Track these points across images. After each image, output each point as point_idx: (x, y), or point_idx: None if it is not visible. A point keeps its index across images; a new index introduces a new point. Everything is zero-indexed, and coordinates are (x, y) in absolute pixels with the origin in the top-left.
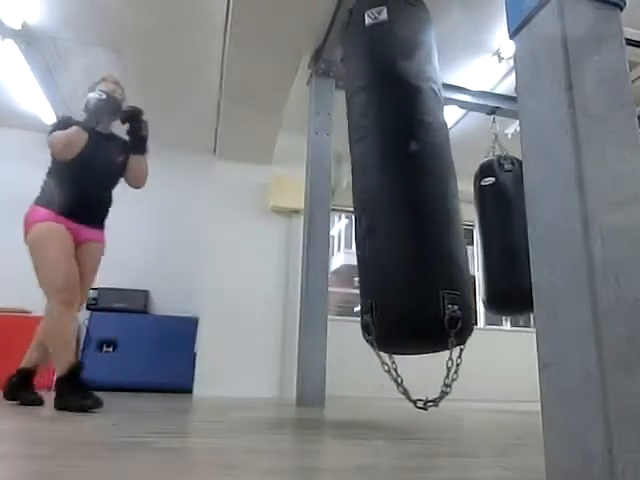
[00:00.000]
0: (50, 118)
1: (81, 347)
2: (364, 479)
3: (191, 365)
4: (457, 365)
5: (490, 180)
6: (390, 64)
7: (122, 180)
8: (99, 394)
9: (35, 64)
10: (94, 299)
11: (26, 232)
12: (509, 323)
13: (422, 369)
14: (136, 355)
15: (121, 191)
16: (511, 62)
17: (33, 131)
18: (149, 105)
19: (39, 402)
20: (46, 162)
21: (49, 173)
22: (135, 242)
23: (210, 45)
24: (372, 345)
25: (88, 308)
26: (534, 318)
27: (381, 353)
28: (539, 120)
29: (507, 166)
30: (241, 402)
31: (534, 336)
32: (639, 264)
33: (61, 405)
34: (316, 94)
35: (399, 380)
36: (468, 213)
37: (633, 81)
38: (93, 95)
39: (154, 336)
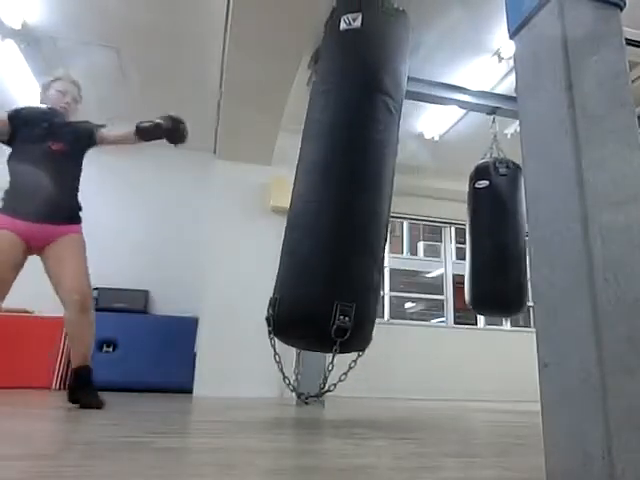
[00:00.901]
0: None
1: None
2: (364, 479)
3: (191, 365)
4: (350, 368)
5: (484, 183)
6: (354, 73)
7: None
8: (99, 394)
9: (35, 64)
10: (94, 299)
11: None
12: (509, 323)
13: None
14: (136, 355)
15: (120, 191)
16: (511, 62)
17: None
18: (149, 105)
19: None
20: None
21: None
22: (135, 242)
23: (210, 45)
24: (270, 336)
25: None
26: (534, 318)
27: (281, 347)
28: (539, 120)
29: (502, 170)
30: (241, 402)
31: (534, 336)
32: (639, 264)
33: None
34: None
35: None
36: (461, 213)
37: (633, 81)
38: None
39: (154, 336)
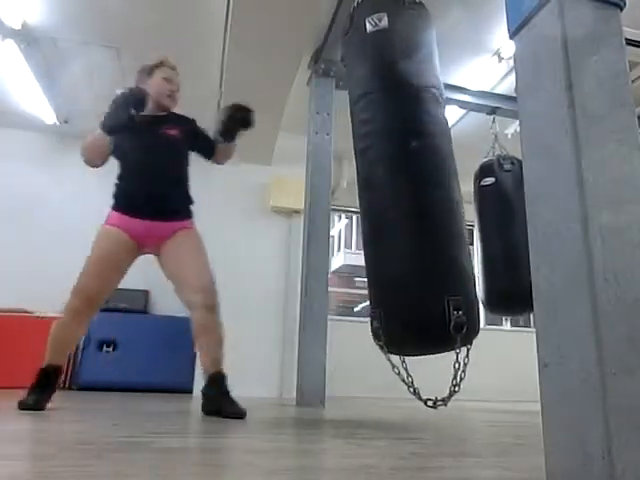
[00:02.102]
0: (50, 118)
1: (81, 347)
2: (364, 479)
3: (191, 365)
4: (465, 365)
5: (490, 180)
6: (392, 71)
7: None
8: (99, 394)
9: (35, 64)
10: None
11: None
12: (509, 323)
13: (431, 369)
14: (136, 355)
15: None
16: (511, 62)
17: (33, 131)
18: None
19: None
20: (46, 161)
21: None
22: None
23: (210, 45)
24: (382, 349)
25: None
26: (534, 318)
27: (392, 356)
28: (539, 120)
29: (507, 166)
30: (241, 402)
31: (534, 336)
32: (639, 264)
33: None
34: (316, 94)
35: (409, 381)
36: (468, 213)
37: (633, 81)
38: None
39: (154, 336)
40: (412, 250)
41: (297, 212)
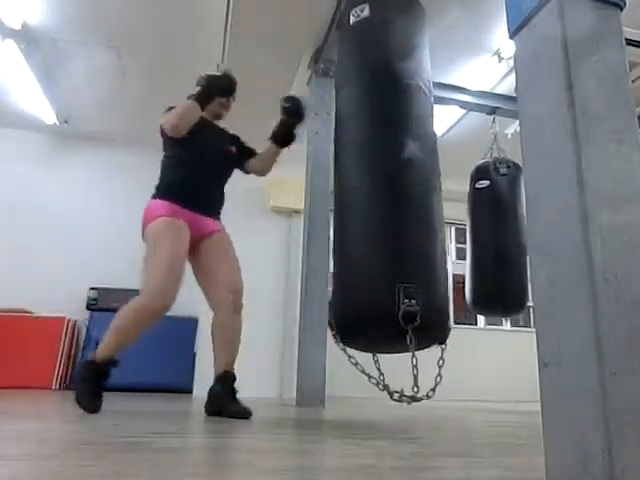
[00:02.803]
0: (50, 118)
1: (81, 347)
2: (364, 479)
3: (191, 365)
4: (441, 366)
5: (485, 183)
6: (374, 61)
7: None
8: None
9: (35, 64)
10: (94, 299)
11: (144, 226)
12: (509, 323)
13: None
14: (136, 355)
15: (121, 191)
16: (511, 62)
17: (33, 131)
18: (149, 105)
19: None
20: (46, 161)
21: (164, 162)
22: (135, 242)
23: (210, 45)
24: (335, 341)
25: (88, 308)
26: (534, 318)
27: (348, 348)
28: (539, 120)
29: (503, 170)
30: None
31: (534, 336)
32: (639, 264)
33: (76, 394)
34: (316, 94)
35: (379, 376)
36: (462, 213)
37: (633, 81)
38: (208, 73)
39: (154, 336)
40: (371, 233)
41: (297, 212)
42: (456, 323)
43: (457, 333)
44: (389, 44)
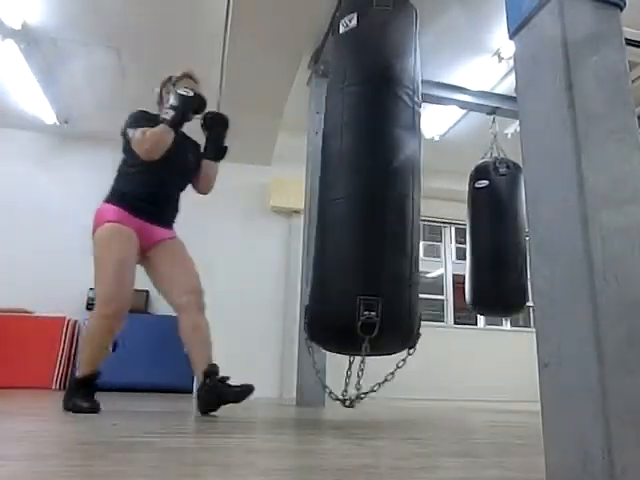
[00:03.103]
0: (50, 118)
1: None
2: (364, 479)
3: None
4: (397, 367)
5: (484, 183)
6: (357, 73)
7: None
8: (99, 394)
9: (35, 64)
10: (94, 299)
11: (93, 231)
12: (509, 323)
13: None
14: (136, 355)
15: None
16: (511, 62)
17: (33, 131)
18: (149, 106)
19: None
20: (46, 161)
21: (122, 169)
22: None
23: (210, 45)
24: (308, 344)
25: (88, 308)
26: (534, 318)
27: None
28: (539, 120)
29: (502, 169)
30: (241, 402)
31: (534, 336)
32: (639, 264)
33: (66, 405)
34: (316, 94)
35: (347, 379)
36: (462, 213)
37: (633, 81)
38: (180, 91)
39: (154, 336)
40: (341, 245)
41: (297, 212)
42: (456, 323)
43: (457, 333)
44: (374, 56)
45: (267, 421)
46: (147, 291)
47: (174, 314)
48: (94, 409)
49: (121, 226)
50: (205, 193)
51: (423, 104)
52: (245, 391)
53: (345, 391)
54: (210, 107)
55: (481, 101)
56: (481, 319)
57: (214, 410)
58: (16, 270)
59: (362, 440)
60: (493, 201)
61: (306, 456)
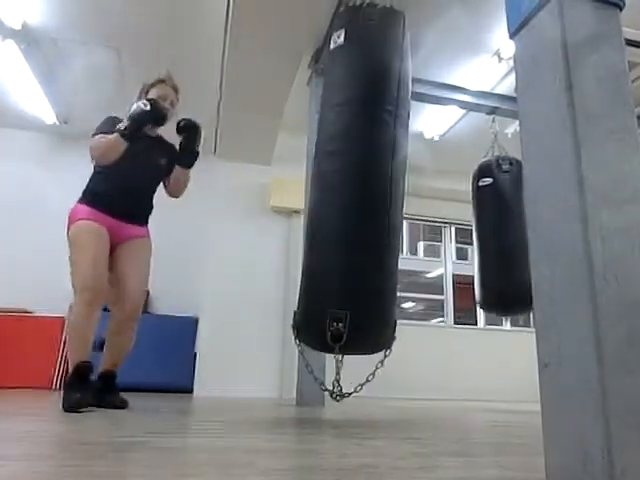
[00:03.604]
0: (50, 118)
1: None
2: (364, 479)
3: (191, 365)
4: (376, 368)
5: (488, 180)
6: (344, 87)
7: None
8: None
9: (35, 64)
10: None
11: (67, 229)
12: (509, 323)
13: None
14: (136, 355)
15: None
16: (511, 62)
17: (33, 131)
18: None
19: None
20: (46, 161)
21: (95, 171)
22: None
23: (210, 45)
24: (295, 342)
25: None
26: (534, 318)
27: (310, 353)
28: (539, 120)
29: (505, 167)
30: (241, 402)
31: (534, 336)
32: (639, 264)
33: (64, 404)
34: (316, 94)
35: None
36: (467, 213)
37: (633, 81)
38: (139, 104)
39: (154, 336)
40: (316, 260)
41: (297, 212)
42: (456, 323)
43: (457, 333)
44: (357, 75)
45: (267, 421)
46: (147, 291)
47: (174, 314)
48: (83, 401)
49: (93, 223)
50: (175, 196)
51: (423, 104)
52: (120, 406)
53: (336, 387)
54: (210, 107)
55: (481, 101)
56: (481, 319)
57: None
58: (16, 270)
59: (362, 440)
60: (498, 199)
61: (306, 456)
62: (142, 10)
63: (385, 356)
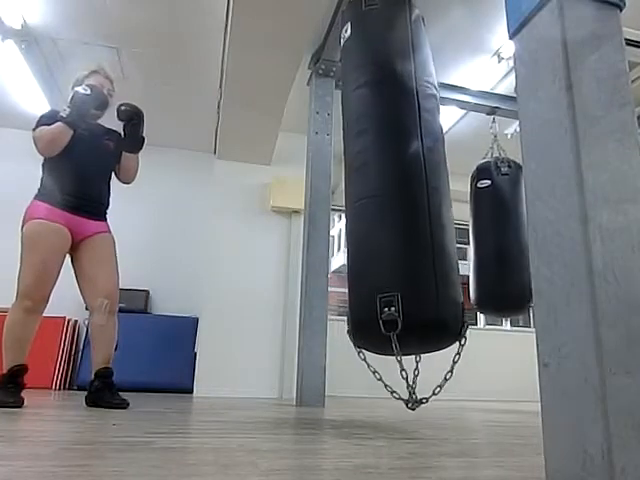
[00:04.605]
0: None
1: (81, 347)
2: (364, 479)
3: (191, 365)
4: (452, 366)
5: (486, 182)
6: (358, 75)
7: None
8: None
9: (35, 64)
10: None
11: (22, 226)
12: (509, 323)
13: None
14: (136, 355)
15: (120, 191)
16: (511, 62)
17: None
18: (149, 106)
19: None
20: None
21: (44, 167)
22: (135, 242)
23: (210, 45)
24: (357, 352)
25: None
26: (534, 318)
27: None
28: (539, 120)
29: (504, 169)
30: (241, 402)
31: (534, 336)
32: (639, 264)
33: None
34: (316, 94)
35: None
36: (464, 213)
37: (633, 81)
38: (79, 89)
39: (154, 336)
40: (364, 248)
41: (297, 212)
42: None
43: None
44: (370, 58)
45: (267, 421)
46: (147, 291)
47: (174, 314)
48: (18, 404)
49: (48, 223)
50: (127, 183)
51: None
52: (119, 405)
53: (412, 393)
54: (210, 107)
55: (481, 101)
56: (481, 319)
57: (95, 406)
58: (16, 270)
59: (362, 440)
60: (495, 200)
61: (306, 456)
62: (142, 10)
63: (462, 345)
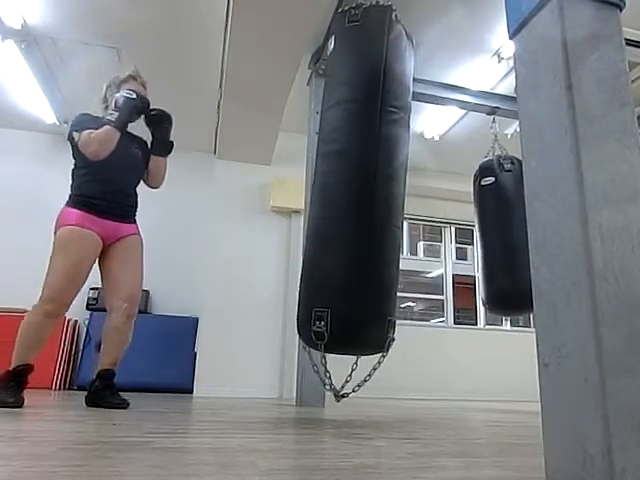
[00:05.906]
0: (50, 118)
1: (81, 347)
2: (364, 479)
3: (191, 365)
4: (374, 369)
5: (490, 180)
6: (337, 90)
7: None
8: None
9: (35, 64)
10: (94, 299)
11: (55, 231)
12: (509, 323)
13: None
14: (136, 355)
15: None
16: (511, 62)
17: (33, 131)
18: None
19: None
20: (46, 162)
21: (76, 172)
22: None
23: (210, 45)
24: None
25: (88, 308)
26: (534, 318)
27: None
28: (539, 120)
29: (507, 166)
30: (241, 402)
31: (534, 336)
32: (639, 264)
33: None
34: (316, 94)
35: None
36: (469, 213)
37: (633, 81)
38: (122, 94)
39: (154, 336)
40: (307, 260)
41: (297, 212)
42: (456, 323)
43: (457, 333)
44: (344, 78)
45: (267, 421)
46: (147, 291)
47: (174, 314)
48: (18, 404)
49: (80, 230)
50: (155, 187)
51: (423, 104)
52: (120, 405)
53: (332, 386)
54: (210, 107)
55: (481, 101)
56: (481, 319)
57: (95, 406)
58: (16, 270)
59: (362, 440)
60: (500, 198)
61: (306, 456)
62: (142, 10)
63: (383, 356)
